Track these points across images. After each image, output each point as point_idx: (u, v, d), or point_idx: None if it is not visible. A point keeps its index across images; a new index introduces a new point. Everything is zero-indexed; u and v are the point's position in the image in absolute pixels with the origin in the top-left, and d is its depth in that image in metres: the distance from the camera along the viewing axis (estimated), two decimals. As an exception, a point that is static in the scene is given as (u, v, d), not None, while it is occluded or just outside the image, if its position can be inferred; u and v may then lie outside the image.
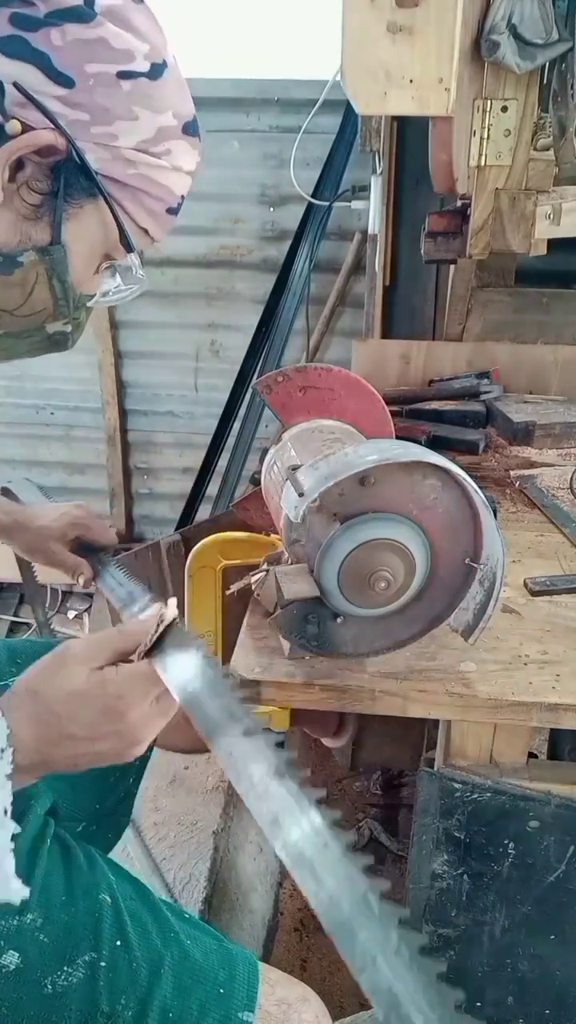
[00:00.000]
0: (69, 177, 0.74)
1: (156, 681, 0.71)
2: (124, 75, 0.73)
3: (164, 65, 0.76)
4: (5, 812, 0.67)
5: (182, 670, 0.70)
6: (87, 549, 1.25)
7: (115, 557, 1.25)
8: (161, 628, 0.73)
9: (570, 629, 1.12)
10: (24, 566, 1.60)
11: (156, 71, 0.75)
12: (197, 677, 0.68)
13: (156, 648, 0.73)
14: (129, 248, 0.80)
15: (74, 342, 0.87)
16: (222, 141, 2.89)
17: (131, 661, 0.73)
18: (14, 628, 3.19)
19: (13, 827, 0.67)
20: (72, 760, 0.74)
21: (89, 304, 0.85)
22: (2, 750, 0.69)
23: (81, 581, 1.21)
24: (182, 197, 0.83)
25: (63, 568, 1.24)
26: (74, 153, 0.73)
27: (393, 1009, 0.44)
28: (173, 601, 0.77)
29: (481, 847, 1.02)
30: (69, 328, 0.84)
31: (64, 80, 0.71)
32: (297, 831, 0.54)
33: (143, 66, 0.74)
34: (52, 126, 0.71)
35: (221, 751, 0.62)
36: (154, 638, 0.73)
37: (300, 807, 0.55)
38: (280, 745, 0.61)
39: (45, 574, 2.25)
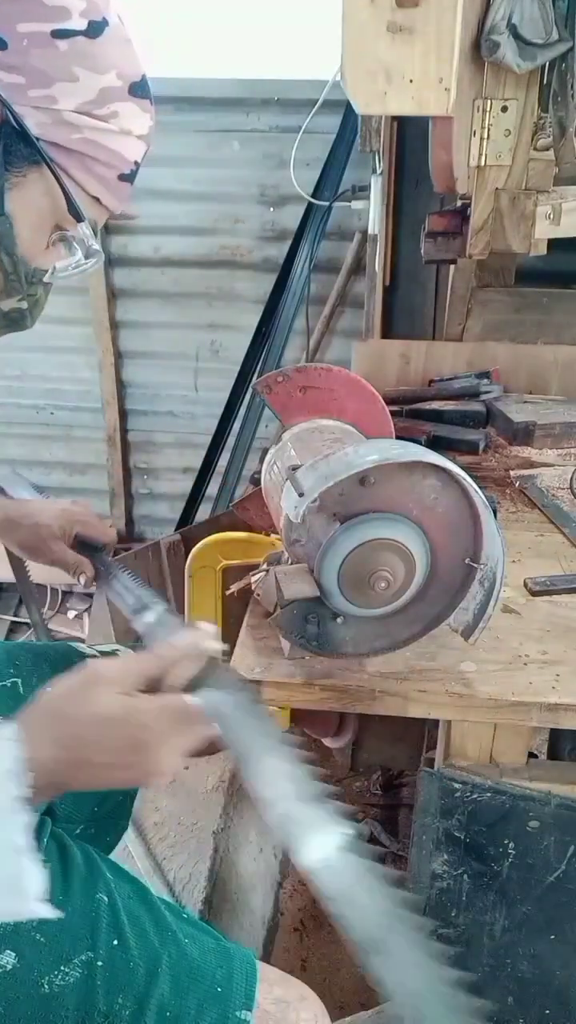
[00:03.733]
0: (8, 144, 0.71)
1: (187, 716, 0.70)
2: (59, 34, 0.70)
3: (104, 23, 0.73)
4: (23, 832, 0.65)
5: (225, 710, 0.70)
6: (86, 547, 1.21)
7: (115, 557, 1.24)
8: (204, 665, 0.71)
9: (570, 629, 1.12)
10: (17, 566, 1.59)
11: (95, 29, 0.72)
12: (245, 723, 0.69)
13: (194, 682, 0.71)
14: (78, 217, 0.77)
15: (34, 320, 0.84)
16: (222, 141, 2.89)
17: (159, 688, 0.71)
18: (14, 628, 3.19)
19: (35, 844, 0.66)
20: (89, 784, 0.72)
21: (45, 279, 0.82)
22: (12, 773, 0.66)
23: (83, 580, 1.18)
24: (136, 163, 0.80)
25: (63, 567, 1.20)
26: (11, 118, 0.70)
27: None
28: (210, 628, 0.75)
29: (481, 847, 1.02)
30: (25, 305, 0.81)
31: None
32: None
33: (80, 24, 0.71)
34: None
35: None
36: (197, 674, 0.71)
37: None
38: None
39: (40, 572, 2.25)
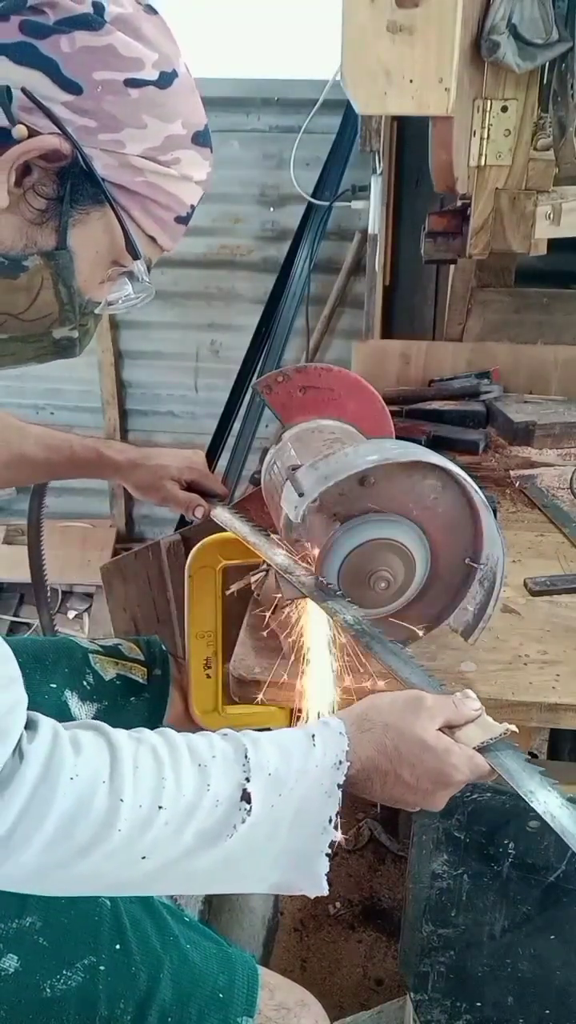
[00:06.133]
0: (75, 183, 0.75)
1: (482, 774, 0.79)
2: (132, 83, 0.74)
3: (174, 74, 0.77)
4: (330, 821, 0.75)
5: (524, 779, 0.77)
6: (199, 495, 1.30)
7: (115, 557, 1.25)
8: (500, 737, 0.80)
9: (570, 629, 1.12)
10: (36, 567, 1.58)
11: (165, 80, 0.76)
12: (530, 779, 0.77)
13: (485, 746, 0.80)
14: (135, 255, 0.80)
15: (82, 348, 0.88)
16: (222, 141, 2.89)
17: (449, 735, 0.80)
18: (14, 628, 3.19)
19: (335, 835, 0.76)
20: (382, 794, 0.79)
21: (97, 311, 0.86)
22: (340, 762, 0.76)
23: (199, 514, 1.27)
24: (192, 207, 0.84)
25: (176, 504, 1.30)
26: (80, 159, 0.73)
27: None
28: (473, 697, 0.82)
29: (481, 847, 1.02)
30: (76, 334, 0.85)
31: (72, 87, 0.72)
32: None
33: (152, 74, 0.75)
34: (59, 132, 0.72)
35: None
36: (492, 740, 0.80)
37: None
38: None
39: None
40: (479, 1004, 1.07)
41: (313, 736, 0.78)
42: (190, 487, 1.31)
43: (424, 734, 0.78)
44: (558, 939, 1.03)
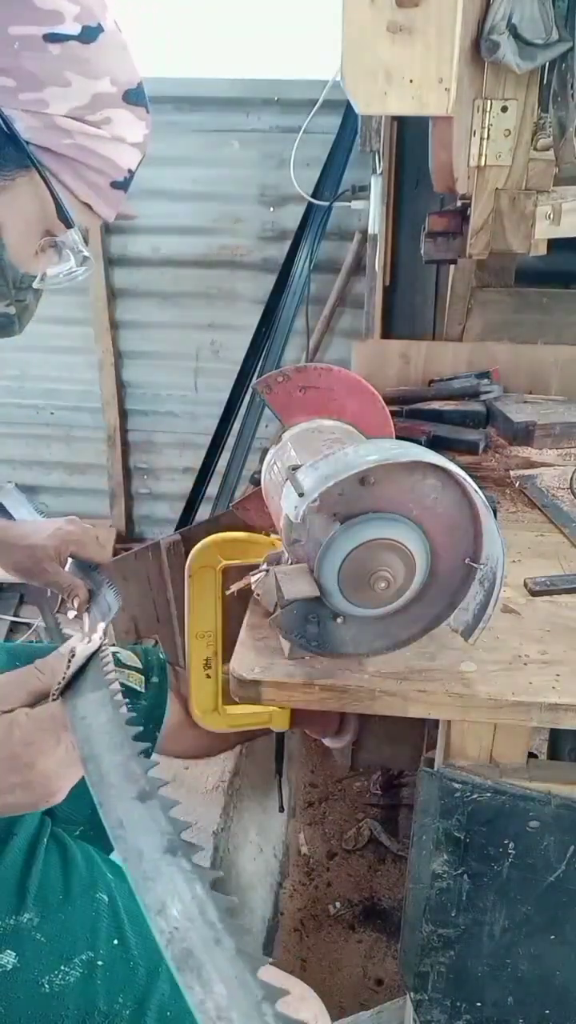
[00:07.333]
0: None
1: (55, 724, 0.65)
2: (52, 38, 0.69)
3: (99, 29, 0.72)
4: None
5: (87, 715, 0.62)
6: (81, 567, 1.21)
7: (115, 556, 1.24)
8: (73, 666, 0.65)
9: (570, 629, 1.12)
10: None
11: (89, 35, 0.71)
12: (99, 725, 0.62)
13: (70, 687, 0.66)
14: (68, 223, 0.76)
15: (22, 326, 0.84)
16: (222, 141, 2.90)
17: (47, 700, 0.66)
18: (14, 628, 3.19)
19: None
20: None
21: (36, 285, 0.81)
22: None
23: (75, 604, 1.16)
24: (130, 171, 0.79)
25: (58, 588, 1.19)
26: (1, 121, 0.69)
27: None
28: (101, 627, 0.73)
29: (481, 847, 1.02)
30: (13, 311, 0.81)
31: None
32: (186, 922, 0.48)
33: (73, 29, 0.70)
34: None
35: (110, 819, 0.55)
36: (67, 676, 0.65)
37: (192, 892, 0.49)
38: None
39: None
40: (479, 1004, 1.07)
41: None
42: (72, 558, 1.21)
43: None
44: (558, 939, 1.03)
